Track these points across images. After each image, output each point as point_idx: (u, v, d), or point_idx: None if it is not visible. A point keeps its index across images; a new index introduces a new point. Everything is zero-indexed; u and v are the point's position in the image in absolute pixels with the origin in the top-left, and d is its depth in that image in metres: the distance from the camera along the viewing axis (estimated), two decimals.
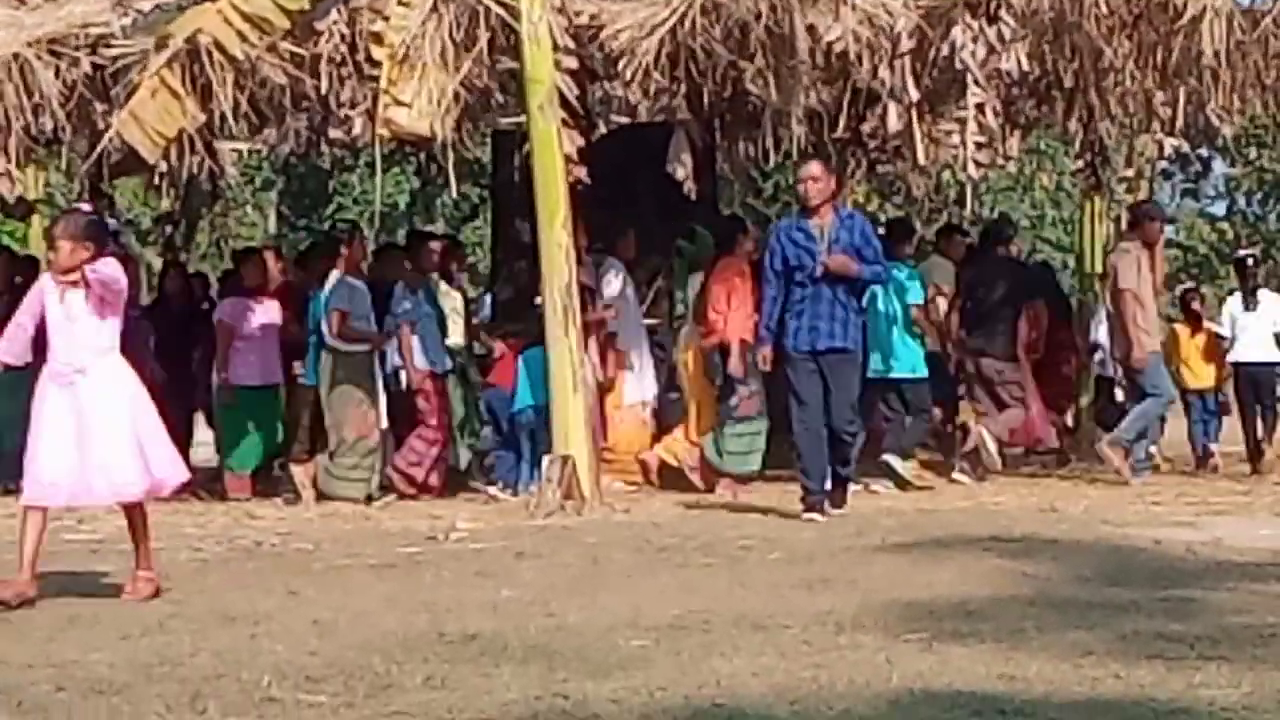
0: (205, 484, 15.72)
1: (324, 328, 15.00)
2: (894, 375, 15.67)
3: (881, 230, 16.04)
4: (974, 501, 14.02)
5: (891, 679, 6.24)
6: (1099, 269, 20.95)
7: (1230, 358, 18.46)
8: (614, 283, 15.68)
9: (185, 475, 9.38)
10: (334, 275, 15.02)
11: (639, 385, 15.96)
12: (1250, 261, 19.77)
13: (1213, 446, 18.48)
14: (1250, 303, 18.44)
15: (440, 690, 6.18)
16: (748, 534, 11.42)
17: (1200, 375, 18.72)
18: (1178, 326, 19.33)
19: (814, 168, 12.78)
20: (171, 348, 16.73)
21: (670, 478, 15.42)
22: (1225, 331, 18.63)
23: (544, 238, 13.82)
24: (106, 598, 8.87)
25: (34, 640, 7.45)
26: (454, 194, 26.02)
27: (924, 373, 15.83)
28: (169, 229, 20.52)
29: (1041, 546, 10.39)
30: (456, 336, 16.51)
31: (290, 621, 7.85)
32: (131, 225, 33.08)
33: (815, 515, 12.23)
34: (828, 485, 12.52)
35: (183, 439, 15.85)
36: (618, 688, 6.12)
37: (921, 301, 15.86)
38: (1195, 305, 19.62)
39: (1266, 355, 18.21)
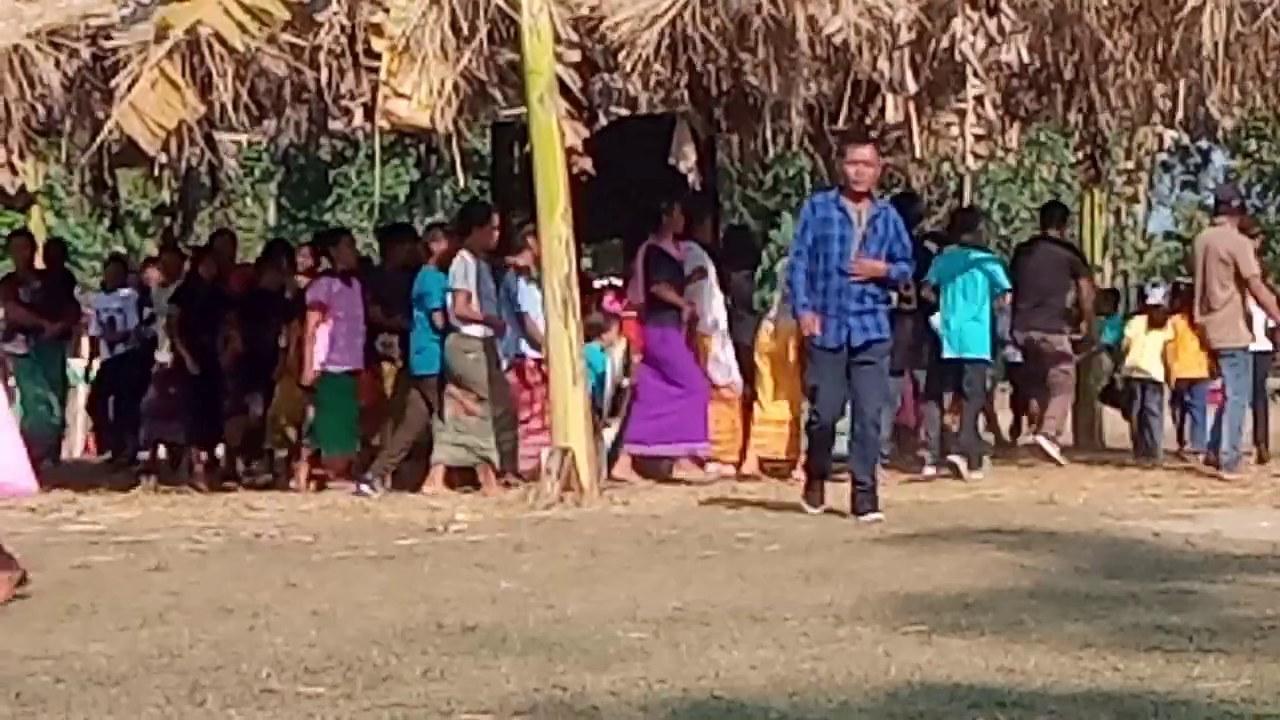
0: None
1: (436, 312, 14.95)
2: (968, 356, 15.86)
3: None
4: (973, 494, 14.02)
5: (890, 671, 6.24)
6: (1098, 260, 20.98)
7: None
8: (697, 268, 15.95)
9: (31, 487, 9.06)
10: (461, 256, 14.91)
11: (725, 368, 16.09)
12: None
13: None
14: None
15: (439, 682, 6.18)
16: (747, 526, 11.42)
17: (1194, 366, 18.71)
18: (1177, 320, 19.35)
19: (866, 151, 12.11)
20: (200, 329, 16.90)
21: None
22: None
23: (544, 229, 13.82)
24: (105, 589, 8.87)
25: (32, 631, 7.45)
26: (457, 185, 25.98)
27: (988, 355, 16.28)
28: (168, 220, 20.53)
29: (1040, 539, 10.40)
30: None
31: (289, 613, 7.85)
32: (131, 216, 33.04)
33: (812, 508, 12.11)
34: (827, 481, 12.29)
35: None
36: (617, 680, 6.12)
37: (1009, 288, 16.18)
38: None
39: (1258, 347, 18.10)
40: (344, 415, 15.71)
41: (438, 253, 15.45)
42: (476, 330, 14.81)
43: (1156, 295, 21.16)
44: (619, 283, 16.96)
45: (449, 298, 14.79)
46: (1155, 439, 19.30)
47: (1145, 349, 19.30)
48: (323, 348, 15.62)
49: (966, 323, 15.71)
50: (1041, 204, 22.11)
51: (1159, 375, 19.29)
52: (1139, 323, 19.74)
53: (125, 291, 19.77)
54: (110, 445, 19.82)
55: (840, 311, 11.78)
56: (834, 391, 11.88)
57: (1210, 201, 53.61)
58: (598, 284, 17.09)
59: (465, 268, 14.83)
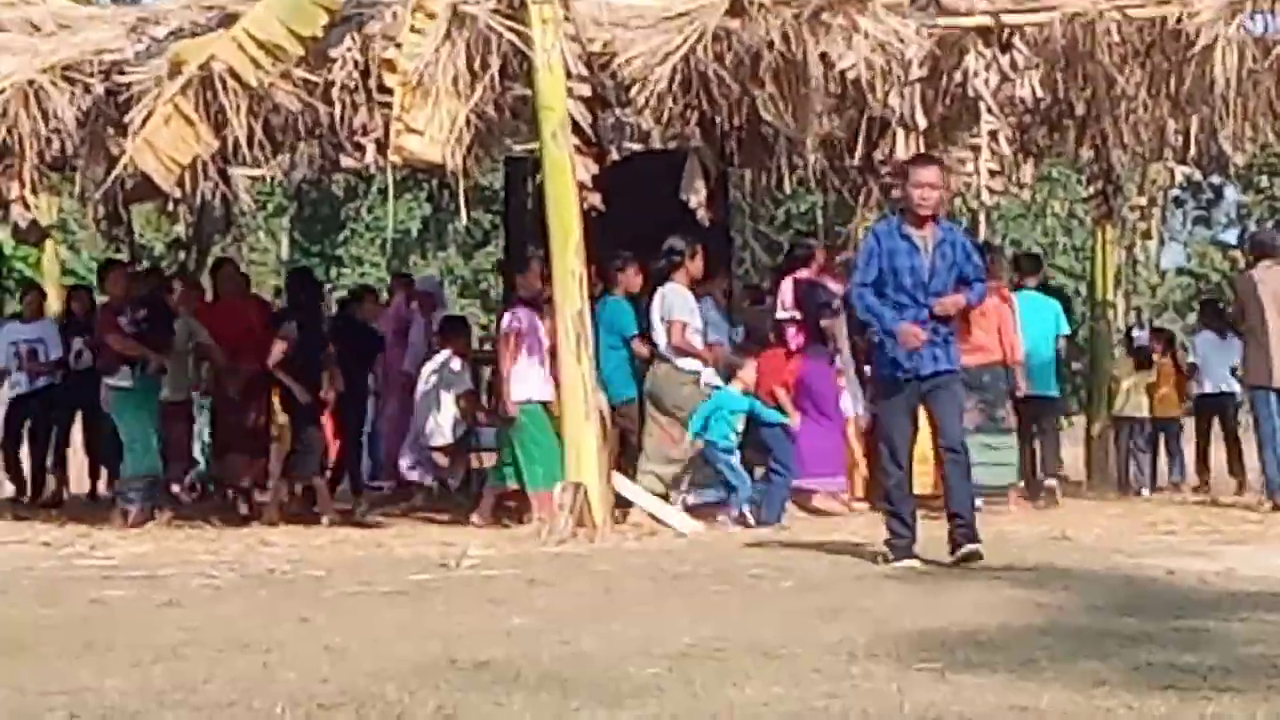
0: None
1: (636, 339, 15.19)
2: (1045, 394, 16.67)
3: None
4: (987, 530, 13.97)
5: (904, 709, 6.23)
6: (1110, 297, 21.00)
7: (1198, 390, 20.22)
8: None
9: None
10: (671, 287, 15.09)
11: (853, 400, 16.27)
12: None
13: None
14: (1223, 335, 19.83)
15: (452, 718, 6.18)
16: (760, 562, 11.41)
17: (1171, 406, 20.20)
18: (1161, 361, 20.15)
19: (932, 173, 11.35)
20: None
21: None
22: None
23: (556, 264, 13.85)
24: (119, 624, 8.87)
25: (47, 667, 7.45)
26: (466, 221, 26.05)
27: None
28: (182, 254, 20.58)
29: (1054, 576, 10.38)
30: None
31: (302, 649, 7.85)
32: (145, 250, 33.12)
33: (914, 562, 11.02)
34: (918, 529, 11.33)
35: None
36: (631, 716, 6.12)
37: (1069, 332, 17.01)
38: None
39: (1228, 387, 19.90)
40: (550, 447, 15.02)
41: (624, 282, 15.61)
42: (691, 363, 14.94)
43: (1143, 337, 21.51)
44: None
45: (667, 328, 14.95)
46: (1144, 474, 20.05)
47: (1132, 390, 20.00)
48: (522, 379, 15.27)
49: (1038, 362, 16.39)
50: (1034, 248, 22.35)
51: (1145, 414, 20.10)
52: (1125, 363, 20.39)
53: (44, 321, 19.44)
54: (22, 483, 19.35)
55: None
56: (908, 430, 11.16)
57: (1223, 237, 53.70)
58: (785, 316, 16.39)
59: (684, 300, 15.07)
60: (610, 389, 15.05)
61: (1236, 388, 19.61)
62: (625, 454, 15.37)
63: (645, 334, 15.32)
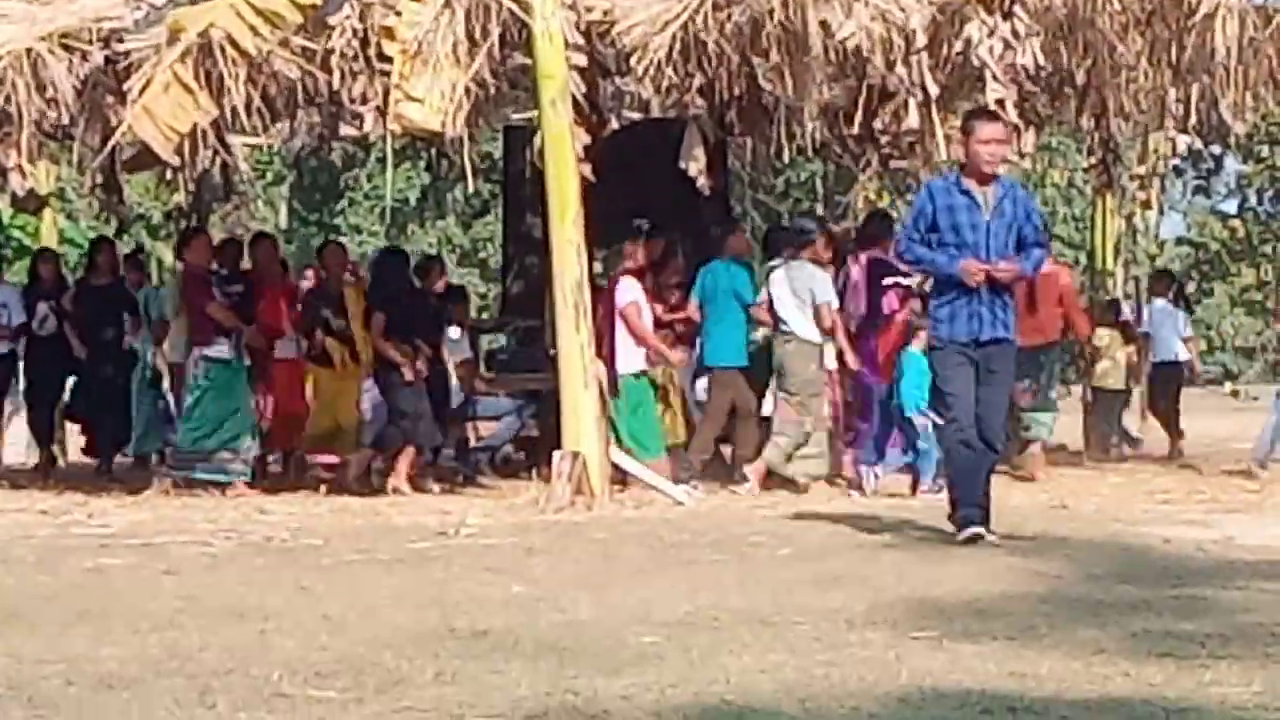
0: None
1: (756, 307, 15.37)
2: None
3: None
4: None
5: (901, 676, 6.23)
6: (1109, 266, 21.01)
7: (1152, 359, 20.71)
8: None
9: None
10: (811, 268, 15.22)
11: None
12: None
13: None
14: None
15: (451, 686, 6.18)
16: (758, 530, 11.41)
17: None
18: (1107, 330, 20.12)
19: (998, 128, 10.87)
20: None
21: None
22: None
23: (555, 234, 13.83)
24: (116, 592, 8.87)
25: (44, 635, 7.44)
26: (471, 188, 26.01)
27: None
28: (181, 223, 20.53)
29: (1052, 544, 10.39)
30: None
31: (300, 617, 7.85)
32: (143, 219, 33.11)
33: (978, 530, 10.39)
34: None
35: None
36: (628, 684, 6.11)
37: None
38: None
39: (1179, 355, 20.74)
40: (650, 417, 15.53)
41: (733, 246, 15.92)
42: (817, 337, 15.06)
43: (1128, 310, 21.54)
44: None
45: (818, 308, 15.01)
46: (1128, 439, 20.32)
47: (1116, 362, 20.03)
48: (632, 351, 15.46)
49: None
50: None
51: (1123, 385, 20.28)
52: (1109, 335, 20.18)
53: (4, 286, 19.14)
54: None
55: (973, 303, 10.49)
56: (966, 395, 10.49)
57: (1223, 207, 53.73)
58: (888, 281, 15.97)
59: (827, 281, 15.28)
60: (718, 353, 15.51)
61: (1185, 355, 20.67)
62: (734, 422, 15.65)
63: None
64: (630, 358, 15.34)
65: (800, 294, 15.02)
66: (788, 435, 14.91)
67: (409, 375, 15.63)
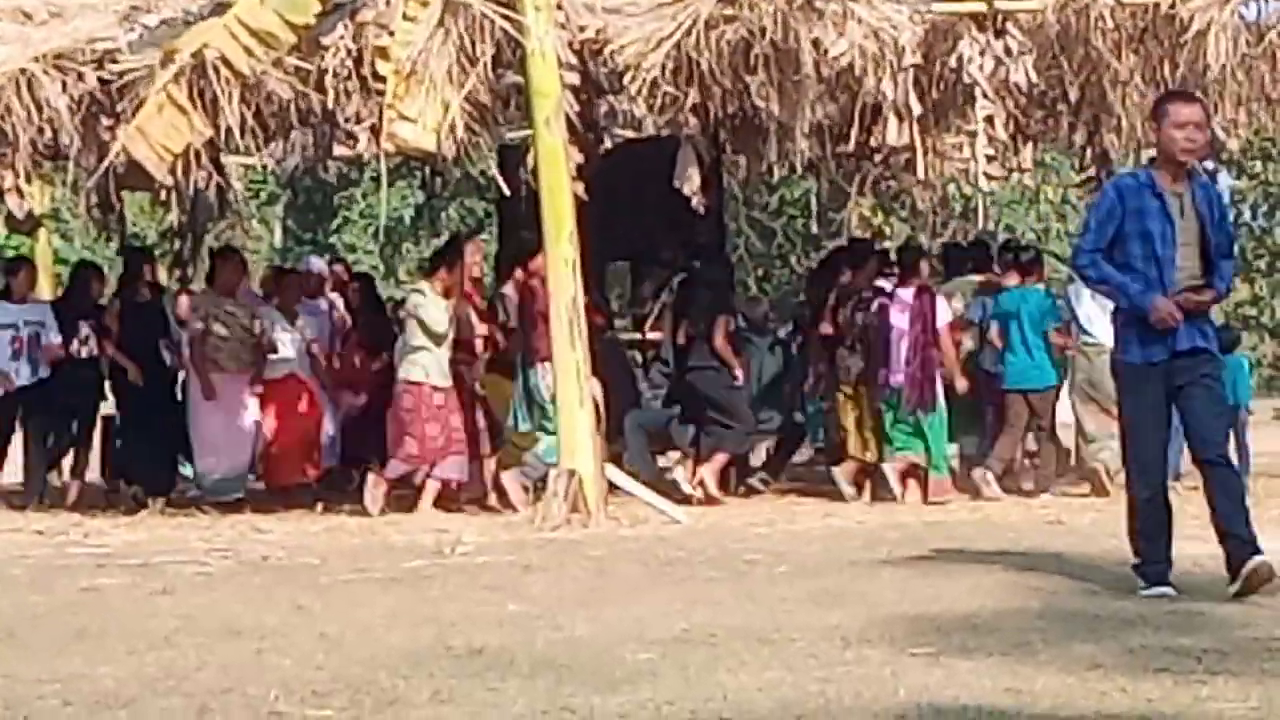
0: None
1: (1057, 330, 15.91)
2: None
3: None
4: (981, 514, 14.02)
5: (898, 693, 6.23)
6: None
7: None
8: None
9: None
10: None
11: None
12: None
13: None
14: None
15: (447, 704, 6.18)
16: (754, 548, 11.42)
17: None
18: None
19: (1196, 109, 9.18)
20: None
21: None
22: None
23: (550, 252, 13.83)
24: (112, 612, 8.87)
25: (41, 654, 7.45)
26: (461, 207, 26.02)
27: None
28: (176, 243, 20.54)
29: (1048, 560, 10.39)
30: None
31: (297, 636, 7.85)
32: (138, 239, 33.09)
33: (1166, 590, 8.88)
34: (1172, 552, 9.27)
35: None
36: (624, 701, 6.12)
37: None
38: None
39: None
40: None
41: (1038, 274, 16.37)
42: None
43: None
44: None
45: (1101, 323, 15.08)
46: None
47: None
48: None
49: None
50: (1029, 234, 22.27)
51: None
52: None
53: (38, 303, 17.30)
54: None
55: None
56: (1160, 430, 9.07)
57: None
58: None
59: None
60: (1038, 375, 16.03)
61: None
62: (1037, 435, 16.30)
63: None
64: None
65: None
66: (1112, 440, 14.98)
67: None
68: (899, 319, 15.62)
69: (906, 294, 15.70)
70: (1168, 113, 9.02)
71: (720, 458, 15.77)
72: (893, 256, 17.62)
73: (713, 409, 15.75)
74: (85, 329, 16.63)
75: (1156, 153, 9.19)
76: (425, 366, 14.97)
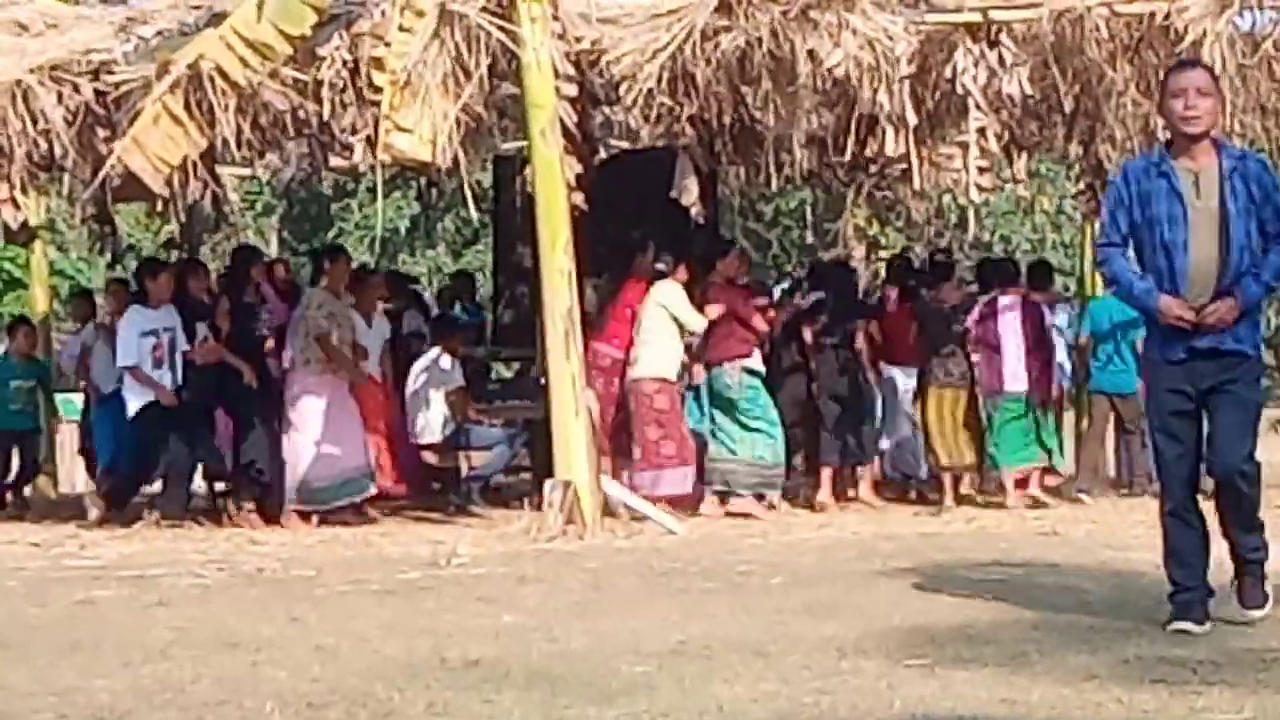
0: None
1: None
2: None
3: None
4: (976, 525, 14.03)
5: (894, 704, 6.23)
6: (1099, 293, 21.01)
7: None
8: None
9: None
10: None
11: None
12: None
13: None
14: None
15: (443, 716, 6.18)
16: (749, 559, 11.42)
17: None
18: None
19: (1197, 74, 8.07)
20: None
21: None
22: None
23: (546, 263, 13.83)
24: (108, 624, 8.87)
25: (35, 667, 7.44)
26: (458, 218, 26.04)
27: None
28: (172, 254, 20.55)
29: (1043, 571, 10.39)
30: None
31: (292, 648, 7.85)
32: (134, 250, 33.11)
33: (1189, 625, 7.84)
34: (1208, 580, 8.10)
35: None
36: (620, 713, 6.12)
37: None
38: None
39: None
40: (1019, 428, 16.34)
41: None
42: None
43: None
44: None
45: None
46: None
47: None
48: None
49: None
50: (1024, 244, 22.50)
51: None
52: None
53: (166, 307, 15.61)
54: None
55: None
56: (1180, 436, 7.98)
57: None
58: None
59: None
60: (1121, 379, 17.02)
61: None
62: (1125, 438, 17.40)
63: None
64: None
65: None
66: None
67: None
68: (1008, 325, 16.32)
69: (1009, 301, 16.41)
70: (1165, 84, 8.11)
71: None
72: (894, 265, 18.01)
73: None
74: (203, 330, 15.68)
75: (1168, 128, 8.20)
76: (672, 363, 15.58)
